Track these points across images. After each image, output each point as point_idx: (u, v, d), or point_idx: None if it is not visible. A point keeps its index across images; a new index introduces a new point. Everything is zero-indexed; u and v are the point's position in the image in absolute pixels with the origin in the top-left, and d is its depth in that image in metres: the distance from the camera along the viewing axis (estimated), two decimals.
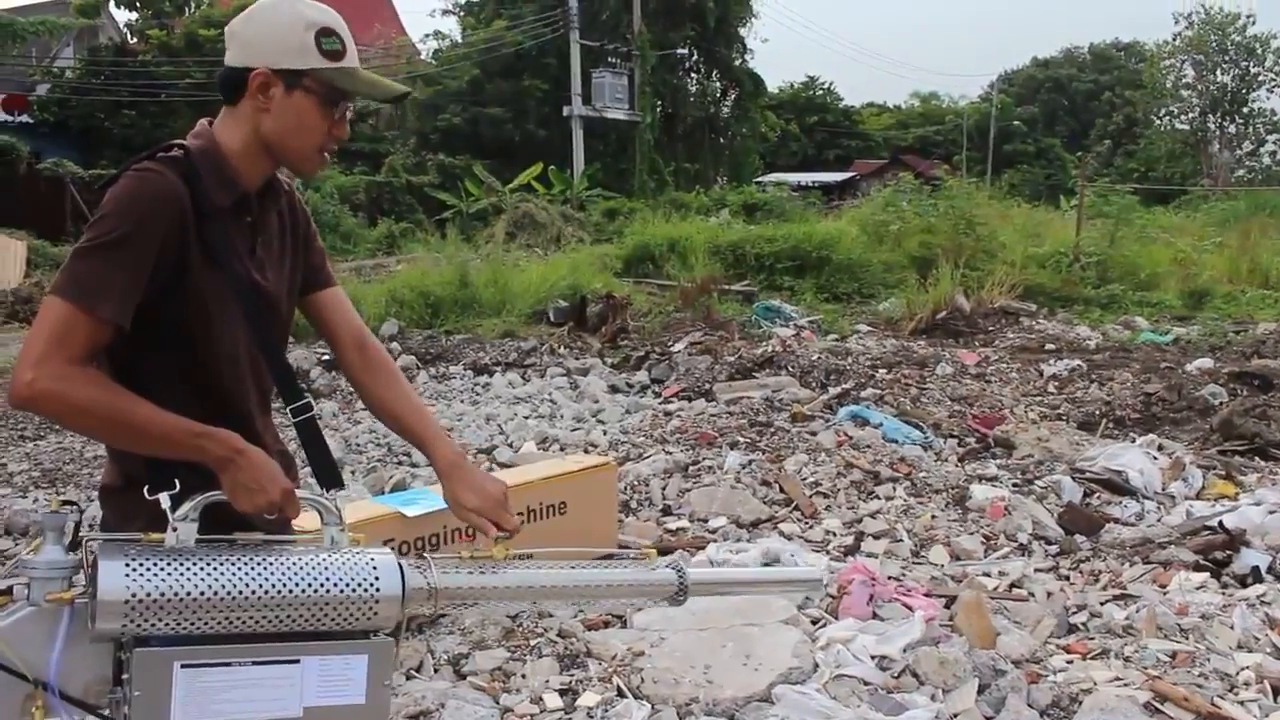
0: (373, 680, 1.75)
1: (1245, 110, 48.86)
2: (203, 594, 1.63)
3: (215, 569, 1.66)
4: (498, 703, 3.49)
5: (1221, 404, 8.79)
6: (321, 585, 1.70)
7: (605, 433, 7.69)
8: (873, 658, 3.69)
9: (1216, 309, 15.01)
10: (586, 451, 6.84)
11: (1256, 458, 7.33)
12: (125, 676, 1.64)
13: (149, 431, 1.77)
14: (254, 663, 1.69)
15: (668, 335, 11.77)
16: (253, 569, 1.68)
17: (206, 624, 1.65)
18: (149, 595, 1.60)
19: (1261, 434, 7.80)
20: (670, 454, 6.77)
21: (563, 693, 3.57)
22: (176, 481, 1.78)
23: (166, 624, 1.62)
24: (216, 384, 1.92)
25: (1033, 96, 60.23)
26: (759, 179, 36.69)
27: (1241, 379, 9.75)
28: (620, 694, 3.55)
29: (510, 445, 7.27)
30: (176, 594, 1.62)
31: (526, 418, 8.09)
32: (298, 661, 1.71)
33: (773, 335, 12.06)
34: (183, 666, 1.64)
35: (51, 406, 1.73)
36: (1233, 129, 49.45)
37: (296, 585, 1.69)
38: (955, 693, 3.49)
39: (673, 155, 36.35)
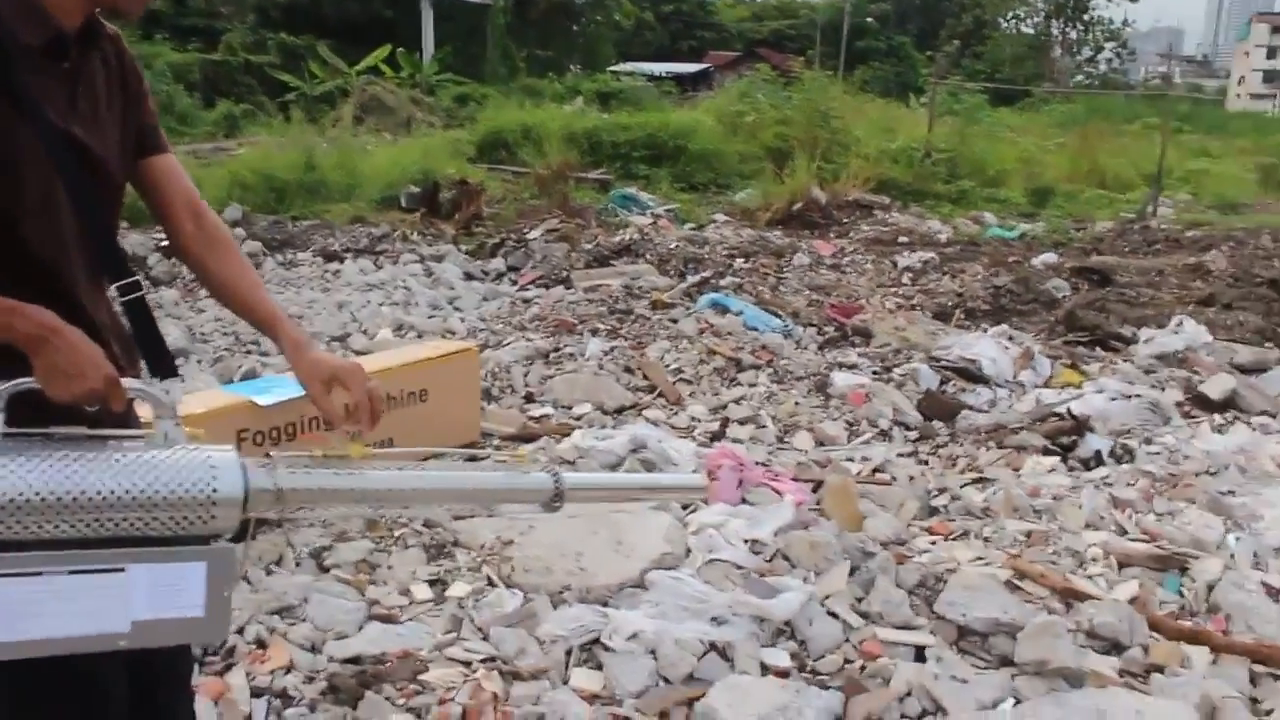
0: (212, 590, 1.54)
1: (1086, 17, 50.31)
2: (5, 495, 1.39)
3: (23, 466, 1.41)
4: (364, 595, 3.31)
5: (1065, 297, 9.08)
6: (150, 485, 1.47)
7: (463, 320, 7.45)
8: (745, 542, 3.64)
9: (1058, 207, 15.51)
10: (444, 338, 6.60)
11: (1098, 348, 7.58)
12: None
13: None
14: (70, 571, 1.45)
15: (523, 222, 11.46)
16: (68, 467, 1.44)
17: (11, 528, 1.40)
18: None
19: (1101, 326, 8.10)
20: (530, 341, 6.59)
21: (431, 583, 3.41)
22: None
23: None
24: (30, 254, 1.63)
25: None
26: (613, 68, 36.04)
27: (1082, 274, 10.10)
28: (491, 583, 3.41)
29: (365, 333, 6.97)
30: None
31: (380, 305, 7.76)
32: (123, 570, 1.48)
33: (629, 223, 11.90)
34: None
35: None
36: (1074, 35, 50.91)
37: (119, 485, 1.46)
38: (826, 575, 3.47)
39: (525, 41, 35.33)
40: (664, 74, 36.14)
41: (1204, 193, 17.61)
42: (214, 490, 1.51)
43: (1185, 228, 13.44)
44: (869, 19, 53.31)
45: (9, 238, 1.60)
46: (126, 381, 1.59)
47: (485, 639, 3.06)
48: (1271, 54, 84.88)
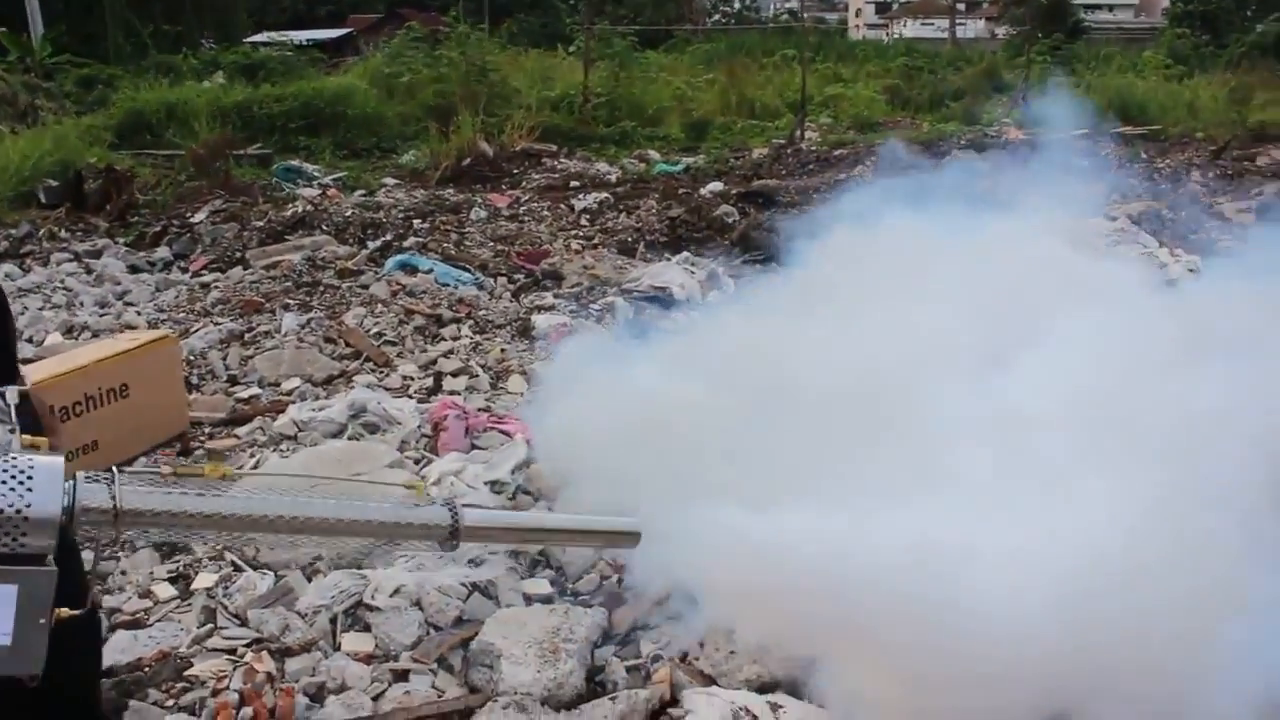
0: (24, 617, 1.39)
1: None
2: None
3: None
4: (100, 607, 3.10)
5: (734, 222, 9.61)
6: None
7: (140, 313, 6.98)
8: (486, 484, 3.70)
9: (716, 139, 16.29)
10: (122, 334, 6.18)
11: (772, 264, 8.12)
12: None
13: None
14: None
15: (184, 206, 10.80)
16: None
17: None
18: None
19: (772, 244, 8.67)
20: (220, 325, 6.30)
21: (173, 580, 3.24)
22: None
23: None
24: None
25: None
26: (250, 39, 34.23)
27: (748, 199, 10.72)
28: (237, 568, 3.29)
29: (31, 341, 6.40)
30: None
31: (41, 309, 7.14)
32: None
33: (298, 196, 11.50)
34: None
35: None
36: None
37: None
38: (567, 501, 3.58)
39: (149, 16, 32.83)
40: (305, 41, 34.71)
41: (843, 115, 18.97)
42: (26, 505, 1.38)
43: (832, 148, 14.50)
44: None
45: None
46: None
47: (244, 624, 2.97)
48: None
